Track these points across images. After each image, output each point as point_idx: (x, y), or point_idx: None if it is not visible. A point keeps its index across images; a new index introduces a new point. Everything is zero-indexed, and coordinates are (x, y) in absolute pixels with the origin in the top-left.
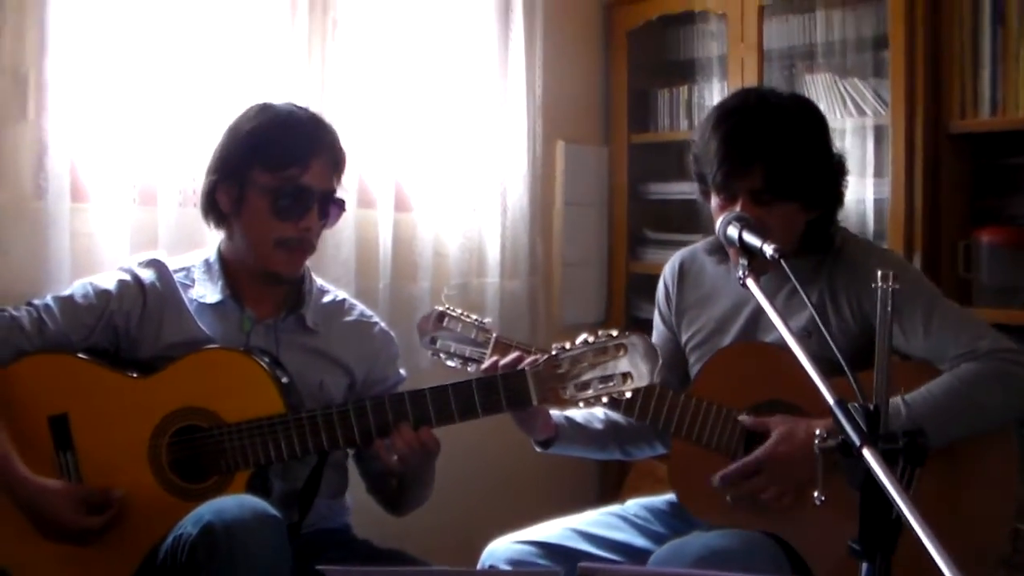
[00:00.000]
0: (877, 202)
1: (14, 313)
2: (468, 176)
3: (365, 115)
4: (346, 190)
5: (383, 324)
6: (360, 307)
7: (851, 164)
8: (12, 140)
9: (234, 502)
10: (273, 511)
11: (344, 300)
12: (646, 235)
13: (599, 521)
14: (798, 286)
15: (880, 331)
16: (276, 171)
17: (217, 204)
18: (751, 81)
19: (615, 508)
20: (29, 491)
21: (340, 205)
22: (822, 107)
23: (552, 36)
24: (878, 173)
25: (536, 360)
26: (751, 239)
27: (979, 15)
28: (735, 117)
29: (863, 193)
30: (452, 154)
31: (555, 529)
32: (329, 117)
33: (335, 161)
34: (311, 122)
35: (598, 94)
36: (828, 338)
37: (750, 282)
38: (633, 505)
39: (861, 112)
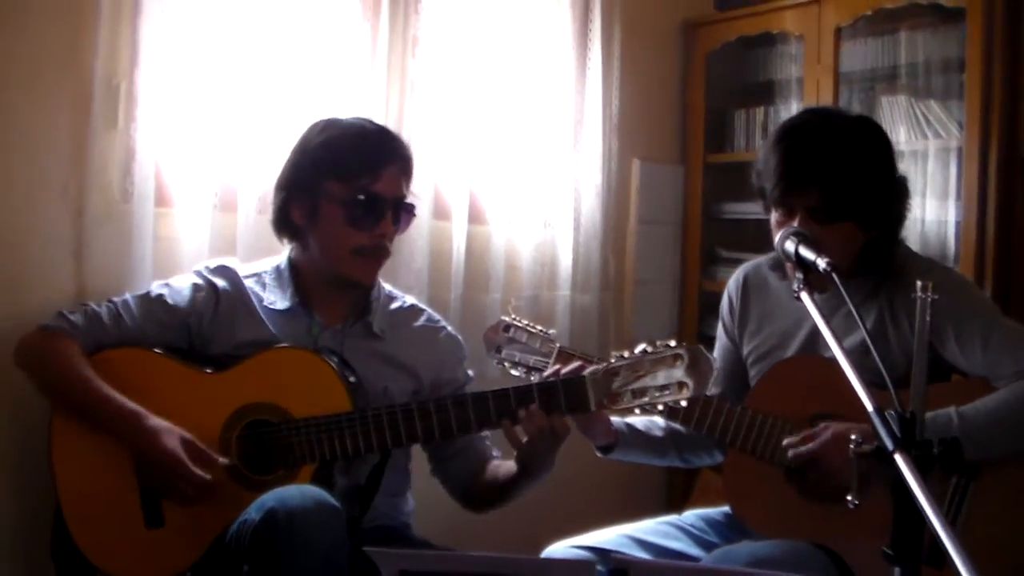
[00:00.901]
0: (930, 222)
1: (95, 308)
2: (542, 191)
3: (442, 127)
4: (417, 196)
5: (450, 328)
6: (428, 312)
7: (927, 187)
8: (103, 147)
9: (297, 491)
10: (334, 501)
11: (413, 306)
12: (719, 254)
13: (655, 529)
14: (848, 300)
15: (918, 341)
16: (349, 181)
17: (291, 219)
18: (827, 102)
19: (672, 517)
20: (139, 423)
21: (411, 211)
22: (898, 129)
23: (631, 55)
24: (954, 196)
25: (596, 367)
26: (806, 253)
27: None
28: (796, 135)
29: (938, 215)
30: (527, 168)
31: (611, 535)
32: (407, 129)
33: (405, 168)
34: (379, 132)
35: (675, 113)
36: (872, 352)
37: (804, 295)
38: (690, 515)
39: (937, 135)
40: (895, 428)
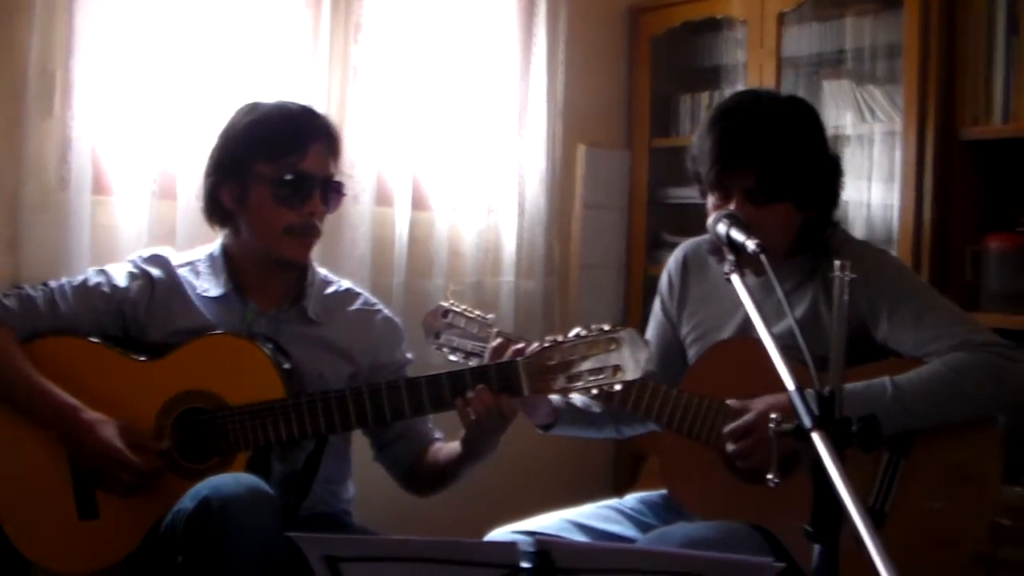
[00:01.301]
0: (890, 208)
1: (30, 292)
2: (486, 176)
3: (385, 113)
4: (348, 176)
5: (387, 311)
6: (364, 295)
7: (866, 170)
8: (39, 135)
9: (232, 479)
10: (268, 489)
11: (348, 289)
12: (664, 239)
13: (595, 513)
14: (776, 284)
15: (836, 320)
16: (276, 161)
17: (221, 204)
18: (769, 87)
19: (613, 501)
20: (76, 416)
21: (340, 190)
22: (842, 114)
23: (576, 41)
24: (893, 179)
25: (528, 351)
26: (736, 235)
27: (993, 24)
28: (729, 118)
29: (884, 199)
30: (471, 154)
31: (553, 520)
32: (350, 116)
33: (331, 146)
34: (303, 111)
35: (621, 99)
36: (797, 334)
37: (735, 277)
38: (630, 499)
39: (877, 119)
40: (813, 407)
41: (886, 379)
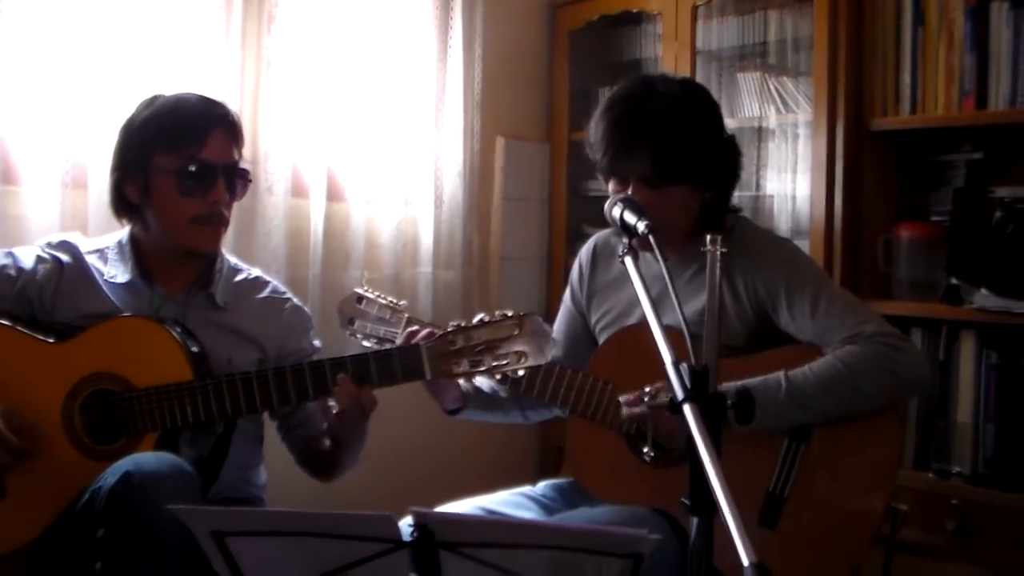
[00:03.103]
0: (803, 198)
1: None
2: (403, 168)
3: (300, 105)
4: (251, 163)
5: (295, 299)
6: (273, 283)
7: (779, 161)
8: None
9: (153, 456)
10: (189, 467)
11: (257, 277)
12: (585, 231)
13: (507, 500)
14: (660, 259)
15: (709, 295)
16: (177, 151)
17: (126, 198)
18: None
19: (525, 488)
20: None
21: (245, 176)
22: (753, 105)
23: (495, 33)
24: (805, 170)
25: (431, 335)
26: (628, 217)
27: (900, 16)
28: (620, 104)
29: (792, 189)
30: (387, 146)
31: (465, 507)
32: (264, 107)
33: (232, 133)
34: (201, 101)
35: (540, 92)
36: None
37: (628, 260)
38: (541, 485)
39: (790, 110)
40: (687, 380)
41: (781, 374)
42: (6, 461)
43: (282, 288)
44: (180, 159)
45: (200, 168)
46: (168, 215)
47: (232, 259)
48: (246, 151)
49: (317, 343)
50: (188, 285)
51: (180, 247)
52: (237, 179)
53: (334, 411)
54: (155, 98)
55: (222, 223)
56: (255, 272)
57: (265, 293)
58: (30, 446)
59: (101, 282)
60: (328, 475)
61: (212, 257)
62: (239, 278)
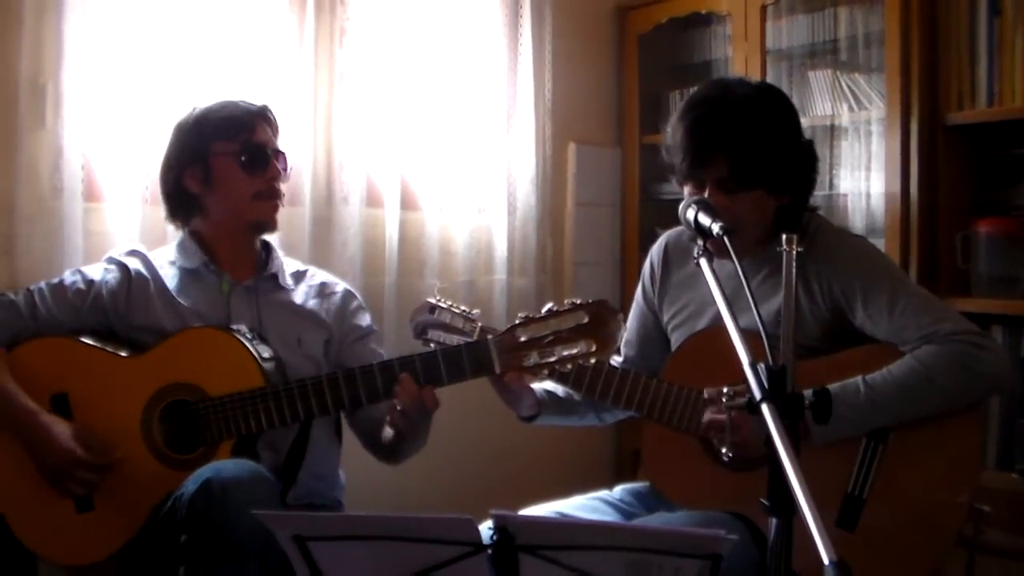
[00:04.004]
0: (877, 196)
1: (13, 297)
2: (476, 176)
3: (373, 116)
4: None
5: (345, 284)
6: (322, 272)
7: (852, 159)
8: (31, 145)
9: (232, 463)
10: (267, 473)
11: (307, 269)
12: (657, 234)
13: (584, 505)
14: (738, 266)
15: (786, 295)
16: (233, 137)
17: (186, 191)
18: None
19: (602, 493)
20: (34, 420)
21: (286, 159)
22: (825, 103)
23: (563, 40)
24: (879, 167)
25: (499, 330)
26: (703, 219)
27: (975, 7)
28: (699, 108)
29: (864, 187)
30: (460, 154)
31: (542, 511)
32: (337, 119)
33: (271, 123)
34: (240, 100)
35: (610, 96)
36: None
37: (703, 262)
38: (619, 490)
39: (862, 107)
40: (764, 380)
41: (859, 378)
42: (92, 478)
43: (332, 276)
44: (237, 142)
45: (256, 149)
46: (233, 194)
47: (281, 252)
48: (320, 162)
49: (369, 320)
50: (252, 269)
51: (245, 221)
52: (283, 160)
53: (397, 408)
54: (195, 107)
55: (279, 197)
56: (303, 265)
57: (318, 280)
58: (105, 459)
59: (169, 280)
60: (391, 461)
61: (272, 230)
62: (294, 269)
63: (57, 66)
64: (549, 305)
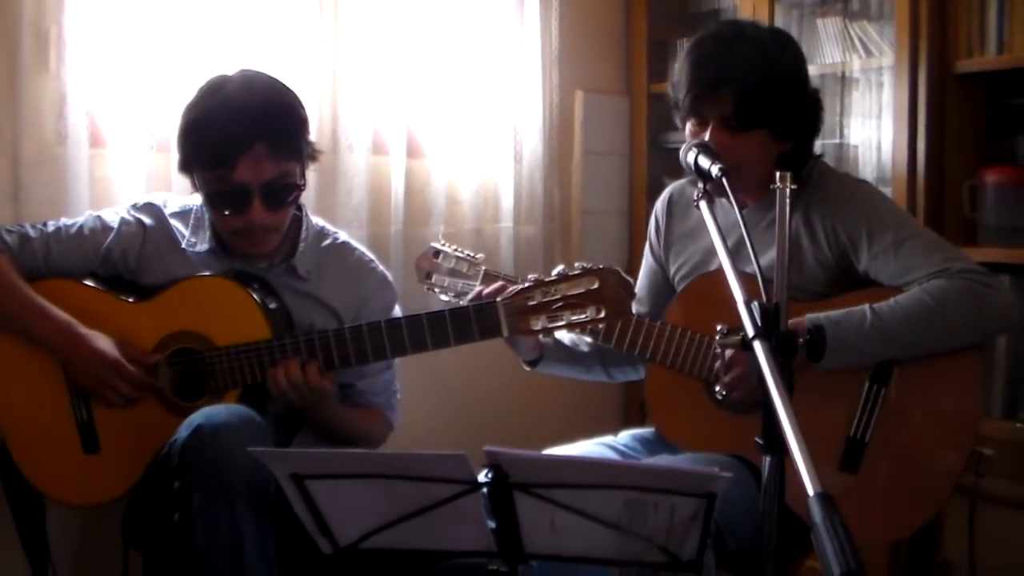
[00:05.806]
0: (887, 146)
1: (30, 233)
2: (482, 124)
3: (377, 64)
4: (318, 149)
5: (382, 268)
6: (360, 250)
7: (863, 109)
8: (34, 92)
9: (224, 409)
10: (259, 418)
11: (345, 243)
12: (666, 183)
13: (588, 450)
14: (734, 204)
15: (779, 232)
16: (209, 171)
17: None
18: None
19: (607, 438)
20: (75, 331)
21: (290, 189)
22: (835, 52)
23: None
24: (889, 117)
25: (504, 288)
26: (703, 162)
27: None
28: (708, 44)
29: (874, 138)
30: (466, 102)
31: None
32: (342, 67)
33: (275, 146)
34: (243, 113)
35: (618, 44)
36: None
37: (703, 205)
38: (624, 436)
39: (872, 56)
40: (757, 318)
41: (866, 307)
42: (126, 392)
43: (369, 255)
44: (214, 178)
45: (232, 190)
46: (214, 220)
47: (319, 222)
48: (325, 111)
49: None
50: (271, 255)
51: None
52: (278, 192)
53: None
54: (207, 94)
55: (264, 233)
56: (342, 237)
57: (351, 261)
58: (147, 361)
59: (184, 245)
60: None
61: (265, 258)
62: (325, 243)
63: (60, 10)
64: (560, 268)
